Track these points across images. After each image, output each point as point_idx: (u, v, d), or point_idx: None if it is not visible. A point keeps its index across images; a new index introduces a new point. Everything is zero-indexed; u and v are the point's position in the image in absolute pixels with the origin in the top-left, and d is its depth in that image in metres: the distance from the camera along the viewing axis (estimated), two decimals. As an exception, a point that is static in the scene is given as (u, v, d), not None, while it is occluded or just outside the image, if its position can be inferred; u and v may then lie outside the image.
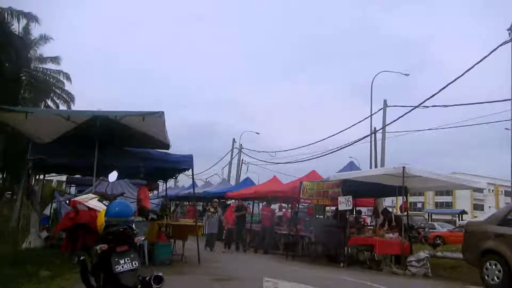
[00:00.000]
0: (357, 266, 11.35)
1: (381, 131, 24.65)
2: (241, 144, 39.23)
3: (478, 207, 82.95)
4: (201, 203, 27.20)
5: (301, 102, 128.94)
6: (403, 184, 10.80)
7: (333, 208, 16.09)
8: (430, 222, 35.61)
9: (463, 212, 64.27)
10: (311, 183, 12.83)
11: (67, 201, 9.54)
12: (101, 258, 3.92)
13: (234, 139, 40.20)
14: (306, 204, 14.41)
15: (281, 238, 14.71)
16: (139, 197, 9.70)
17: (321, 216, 15.78)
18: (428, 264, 10.09)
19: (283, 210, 19.04)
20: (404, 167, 9.22)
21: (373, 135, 25.21)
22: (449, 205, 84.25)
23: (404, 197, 12.31)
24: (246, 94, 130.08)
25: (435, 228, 29.54)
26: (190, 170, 9.76)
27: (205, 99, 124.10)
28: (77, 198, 5.71)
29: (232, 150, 40.17)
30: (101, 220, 4.39)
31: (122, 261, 3.83)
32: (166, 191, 13.05)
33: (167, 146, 9.60)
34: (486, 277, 7.91)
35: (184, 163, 9.51)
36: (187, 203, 28.10)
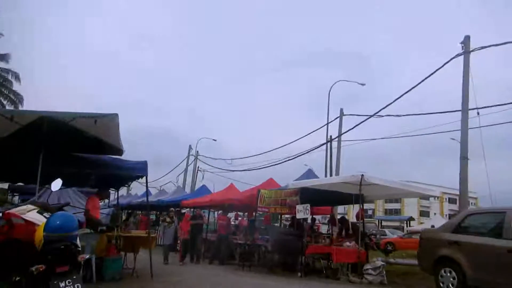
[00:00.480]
0: (314, 275, 11.24)
1: (337, 139, 25.26)
2: (197, 151, 38.58)
3: (424, 213, 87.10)
4: (155, 212, 26.27)
5: (259, 110, 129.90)
6: (360, 192, 10.93)
7: (288, 216, 16.11)
8: (381, 229, 36.72)
9: (411, 218, 67.25)
10: (268, 191, 12.64)
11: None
12: (38, 280, 3.41)
13: (190, 145, 39.47)
14: (262, 213, 14.16)
15: (237, 248, 14.36)
16: (88, 207, 8.99)
17: (277, 224, 15.63)
18: (384, 272, 10.19)
19: (239, 218, 18.77)
20: (362, 175, 9.25)
21: (329, 143, 25.83)
22: (397, 212, 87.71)
23: (360, 205, 12.56)
24: (203, 101, 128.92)
25: (386, 235, 30.44)
26: (144, 177, 9.20)
27: (159, 104, 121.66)
28: (12, 210, 5.03)
29: (188, 157, 39.41)
30: (39, 235, 3.86)
31: (62, 285, 3.34)
32: (117, 200, 12.32)
33: (120, 152, 8.98)
34: (441, 284, 8.05)
35: (138, 170, 8.93)
36: (140, 212, 27.06)
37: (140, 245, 9.59)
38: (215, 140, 44.57)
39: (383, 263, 10.30)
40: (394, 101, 17.35)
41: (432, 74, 16.06)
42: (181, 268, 11.90)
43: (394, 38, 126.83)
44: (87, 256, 4.15)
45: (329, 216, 17.92)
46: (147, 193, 9.80)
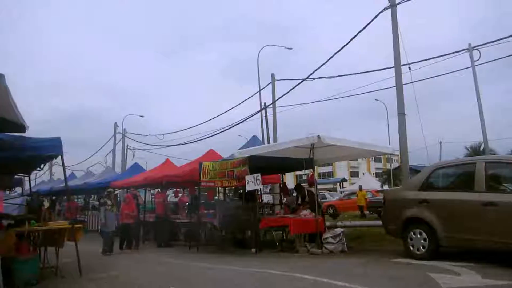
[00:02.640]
0: (268, 249, 10.33)
1: (271, 106, 24.41)
2: (124, 129, 35.71)
3: (354, 174, 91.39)
4: (81, 196, 23.88)
5: (185, 84, 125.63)
6: (312, 155, 10.05)
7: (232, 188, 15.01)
8: (320, 193, 37.29)
9: (343, 179, 70.11)
10: (212, 163, 11.30)
11: None
12: None
13: (116, 123, 36.35)
14: (206, 187, 12.84)
15: (180, 228, 13.01)
16: (-15, 199, 7.07)
17: (222, 199, 14.47)
18: (344, 239, 9.53)
19: (179, 195, 17.31)
20: (319, 136, 8.26)
21: (263, 111, 24.95)
22: (330, 174, 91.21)
23: (311, 170, 11.76)
24: (128, 79, 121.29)
25: (326, 198, 30.75)
26: (60, 157, 7.37)
27: (77, 84, 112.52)
28: None
29: (114, 135, 36.30)
30: None
31: None
32: (30, 187, 10.23)
33: (21, 128, 7.02)
34: (411, 248, 7.44)
35: (49, 149, 7.07)
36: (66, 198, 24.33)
37: (63, 237, 7.85)
38: (142, 116, 41.93)
39: (342, 230, 9.61)
40: (326, 62, 16.48)
41: (361, 30, 15.46)
42: (120, 258, 10.30)
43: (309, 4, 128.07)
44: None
45: (269, 185, 17.18)
46: (65, 175, 7.92)
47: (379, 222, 17.12)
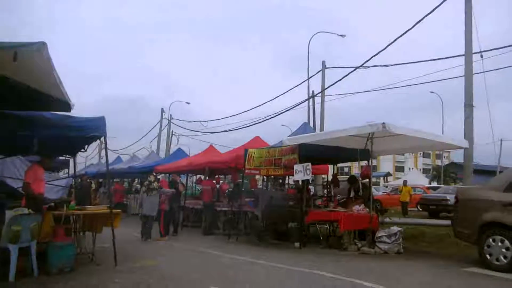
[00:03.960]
0: (313, 244, 9.57)
1: (320, 95, 23.29)
2: (170, 115, 35.99)
3: (399, 169, 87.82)
4: (127, 180, 24.18)
5: (234, 73, 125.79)
6: (371, 146, 9.12)
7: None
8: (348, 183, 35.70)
9: (388, 174, 67.39)
10: (258, 150, 10.64)
11: None
12: None
13: (162, 109, 36.75)
14: (250, 175, 12.23)
15: (220, 216, 12.52)
16: (27, 179, 6.81)
17: (268, 188, 13.81)
18: (401, 240, 8.58)
19: (221, 182, 16.87)
20: (384, 124, 7.31)
21: (311, 100, 23.87)
22: (373, 168, 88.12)
23: (366, 162, 10.82)
24: (176, 67, 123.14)
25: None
26: (103, 138, 6.96)
27: (130, 72, 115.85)
28: None
29: (161, 121, 36.78)
30: None
31: None
32: (74, 169, 10.04)
33: (66, 106, 6.66)
34: (488, 256, 6.41)
35: (92, 129, 6.64)
36: (113, 180, 24.77)
37: (101, 223, 7.52)
38: (188, 103, 42.21)
39: (399, 229, 8.64)
40: (386, 47, 15.31)
41: (429, 13, 14.07)
42: (158, 246, 9.95)
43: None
44: None
45: (312, 176, 16.20)
46: (106, 156, 7.53)
47: (435, 221, 16.14)
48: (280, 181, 16.18)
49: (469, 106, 13.71)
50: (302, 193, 9.58)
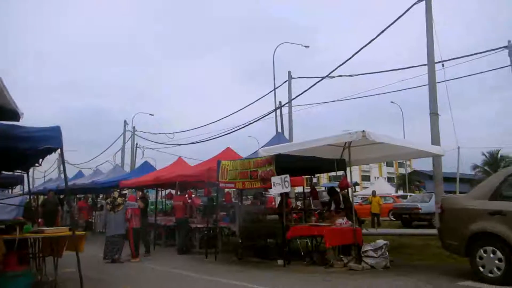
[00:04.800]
0: (297, 261, 9.05)
1: (287, 105, 23.14)
2: (134, 126, 34.77)
3: (365, 178, 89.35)
4: (90, 196, 22.81)
5: (198, 86, 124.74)
6: (349, 155, 8.77)
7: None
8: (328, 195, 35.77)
9: (356, 183, 68.32)
10: (232, 162, 10.06)
11: None
12: None
13: (125, 120, 35.41)
14: (224, 189, 11.61)
15: (195, 233, 11.77)
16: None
17: (246, 202, 13.21)
18: (387, 253, 8.21)
19: (193, 197, 16.09)
20: (364, 132, 6.95)
21: (278, 110, 23.72)
22: (340, 178, 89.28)
23: (344, 172, 10.49)
24: (138, 79, 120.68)
25: (342, 202, 29.26)
26: (59, 150, 6.17)
27: (86, 83, 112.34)
28: None
29: (124, 133, 35.40)
30: None
31: None
32: (28, 185, 9.09)
33: (13, 114, 5.85)
34: (481, 269, 6.10)
35: (46, 140, 5.85)
36: (75, 197, 23.28)
37: (62, 247, 6.66)
38: (152, 114, 40.98)
39: (385, 242, 8.28)
40: (351, 57, 15.37)
41: (392, 23, 14.24)
42: (130, 269, 9.09)
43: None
44: None
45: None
46: (64, 171, 6.72)
47: (410, 231, 16.08)
48: (263, 192, 15.64)
49: (434, 114, 13.81)
50: (283, 207, 9.07)
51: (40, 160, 7.34)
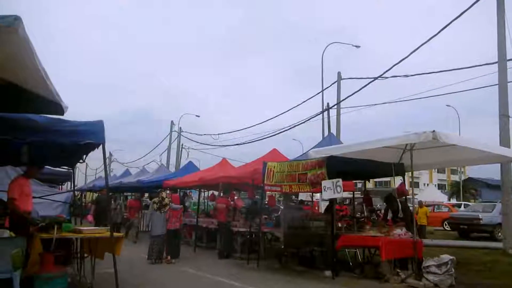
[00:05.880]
0: (347, 273, 8.32)
1: (335, 107, 22.23)
2: (180, 127, 35.19)
3: (414, 184, 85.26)
4: (134, 194, 23.05)
5: (244, 88, 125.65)
6: (411, 158, 7.90)
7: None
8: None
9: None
10: (279, 164, 9.47)
11: None
12: None
13: (172, 121, 35.94)
14: (270, 192, 11.05)
15: (237, 237, 11.28)
16: (11, 195, 5.75)
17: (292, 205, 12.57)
18: (453, 270, 7.27)
19: (235, 198, 15.68)
20: (434, 132, 6.11)
21: (326, 112, 22.87)
22: (387, 183, 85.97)
23: (401, 178, 9.62)
24: (184, 79, 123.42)
25: (391, 210, 27.75)
26: (101, 146, 5.89)
27: (139, 85, 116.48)
28: None
29: (170, 133, 35.97)
30: None
31: None
32: (73, 182, 9.03)
33: (57, 108, 5.61)
34: None
35: (88, 135, 5.60)
36: (120, 196, 23.65)
37: (102, 248, 6.40)
38: (198, 116, 41.45)
39: (451, 257, 7.34)
40: (408, 56, 14.31)
41: (457, 18, 13.03)
42: (169, 272, 8.77)
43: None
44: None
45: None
46: (105, 168, 6.46)
47: (470, 243, 14.71)
48: (293, 197, 14.94)
49: (504, 116, 12.54)
50: (332, 213, 8.36)
51: (84, 156, 7.16)
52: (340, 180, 7.91)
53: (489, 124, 53.43)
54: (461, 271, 8.85)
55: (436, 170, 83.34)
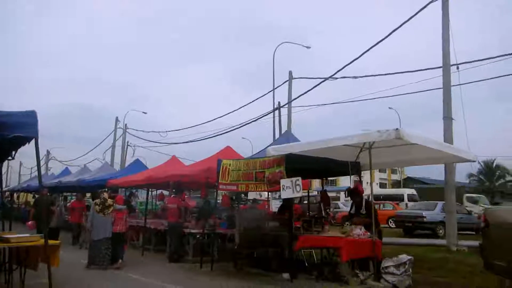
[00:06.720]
0: (304, 274, 8.03)
1: (286, 106, 22.24)
2: (125, 124, 33.52)
3: (356, 183, 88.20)
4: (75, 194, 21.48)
5: (192, 88, 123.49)
6: (370, 157, 7.77)
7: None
8: (332, 201, 34.90)
9: (348, 189, 67.51)
10: (235, 162, 9.00)
11: None
12: None
13: (117, 117, 34.26)
14: (225, 191, 10.54)
15: (188, 239, 10.66)
16: None
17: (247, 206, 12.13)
18: (410, 270, 7.22)
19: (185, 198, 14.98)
20: (398, 130, 5.95)
21: (277, 111, 22.88)
22: (333, 182, 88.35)
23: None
24: (132, 78, 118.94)
25: (339, 208, 28.38)
26: (33, 140, 5.07)
27: (80, 81, 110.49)
28: None
29: (115, 130, 34.26)
30: None
31: None
32: (0, 182, 7.98)
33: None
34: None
35: (17, 128, 4.79)
36: (61, 196, 21.92)
37: (35, 257, 5.56)
38: (145, 113, 39.64)
39: (409, 257, 7.28)
40: (359, 57, 14.99)
41: (406, 22, 13.58)
42: (113, 279, 7.98)
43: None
44: None
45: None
46: (38, 165, 5.58)
47: (416, 241, 15.15)
48: (243, 195, 14.50)
49: (448, 119, 13.02)
50: (291, 213, 8.04)
51: (13, 152, 6.24)
52: (300, 178, 7.60)
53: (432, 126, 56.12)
54: (414, 269, 8.95)
55: (377, 169, 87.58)
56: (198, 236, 10.26)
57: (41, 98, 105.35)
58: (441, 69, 13.33)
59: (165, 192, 15.20)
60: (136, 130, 31.81)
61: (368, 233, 7.51)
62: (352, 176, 9.35)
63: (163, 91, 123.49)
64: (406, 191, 29.94)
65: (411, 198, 27.90)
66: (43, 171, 36.91)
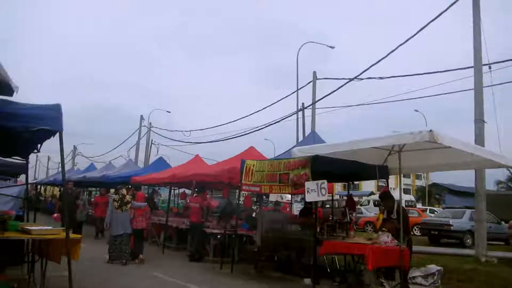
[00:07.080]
0: (325, 279, 7.79)
1: (310, 107, 21.89)
2: (150, 122, 33.95)
3: (380, 188, 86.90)
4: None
5: (217, 88, 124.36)
6: (400, 160, 7.41)
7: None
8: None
9: (372, 193, 66.41)
10: (259, 163, 8.82)
11: None
12: None
13: (142, 115, 34.68)
14: (248, 192, 10.37)
15: (210, 239, 10.56)
16: None
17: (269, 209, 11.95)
18: (439, 282, 6.87)
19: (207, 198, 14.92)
20: (432, 132, 5.62)
21: (301, 112, 22.55)
22: (356, 186, 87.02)
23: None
24: (158, 79, 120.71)
25: (362, 213, 27.78)
26: (58, 134, 5.05)
27: (110, 80, 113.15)
28: None
29: (140, 128, 34.64)
30: None
31: None
32: (26, 175, 8.08)
33: (5, 88, 4.74)
34: None
35: (42, 120, 4.75)
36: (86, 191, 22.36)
37: (57, 250, 5.54)
38: (169, 112, 40.06)
39: (438, 268, 6.94)
40: (385, 57, 14.24)
41: (433, 20, 12.92)
42: (134, 275, 7.96)
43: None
44: None
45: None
46: (62, 159, 5.51)
47: (443, 250, 14.59)
48: (264, 197, 14.31)
49: (479, 121, 12.42)
50: (315, 217, 7.79)
51: (39, 145, 6.26)
52: (325, 181, 7.33)
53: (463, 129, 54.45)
54: (443, 281, 8.56)
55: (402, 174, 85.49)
56: (219, 236, 10.15)
57: (72, 97, 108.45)
58: (472, 69, 12.74)
59: (187, 191, 15.19)
60: (160, 128, 32.18)
61: (396, 241, 7.19)
62: (375, 181, 8.98)
63: (185, 91, 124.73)
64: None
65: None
66: (69, 166, 37.93)
